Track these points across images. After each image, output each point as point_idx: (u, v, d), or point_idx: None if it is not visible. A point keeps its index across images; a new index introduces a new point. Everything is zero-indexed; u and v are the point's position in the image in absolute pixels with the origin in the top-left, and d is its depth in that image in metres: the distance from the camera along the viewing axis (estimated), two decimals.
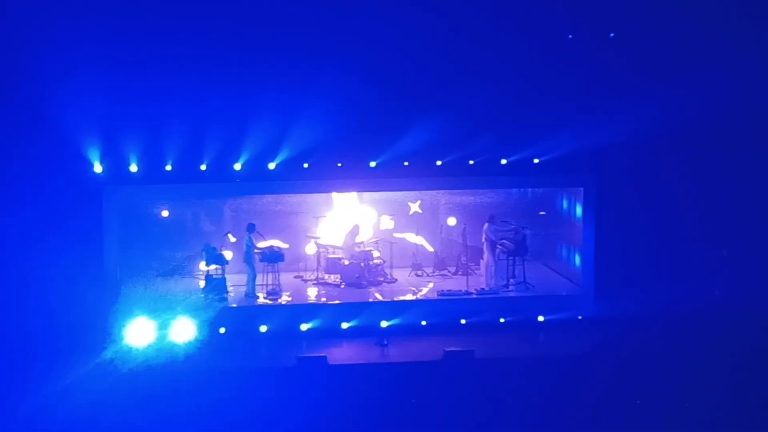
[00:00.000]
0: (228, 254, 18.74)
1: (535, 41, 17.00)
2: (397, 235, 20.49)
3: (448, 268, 20.26)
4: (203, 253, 18.49)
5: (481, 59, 16.75)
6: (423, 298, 18.29)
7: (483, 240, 18.86)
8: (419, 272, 20.19)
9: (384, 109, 16.75)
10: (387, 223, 20.64)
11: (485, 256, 18.86)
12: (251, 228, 18.21)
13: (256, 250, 18.34)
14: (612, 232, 17.78)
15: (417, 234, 20.55)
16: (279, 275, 18.64)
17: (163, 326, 15.97)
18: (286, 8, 16.31)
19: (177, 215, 20.04)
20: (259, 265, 18.40)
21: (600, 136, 17.17)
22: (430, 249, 20.56)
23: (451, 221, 20.79)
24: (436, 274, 20.17)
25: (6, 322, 15.57)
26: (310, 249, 20.07)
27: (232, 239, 19.16)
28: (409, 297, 18.37)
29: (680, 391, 13.88)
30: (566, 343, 16.33)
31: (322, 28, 16.51)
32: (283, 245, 19.43)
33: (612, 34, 17.35)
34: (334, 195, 20.14)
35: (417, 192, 20.25)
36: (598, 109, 17.07)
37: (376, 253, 19.65)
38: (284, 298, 18.18)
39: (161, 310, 16.42)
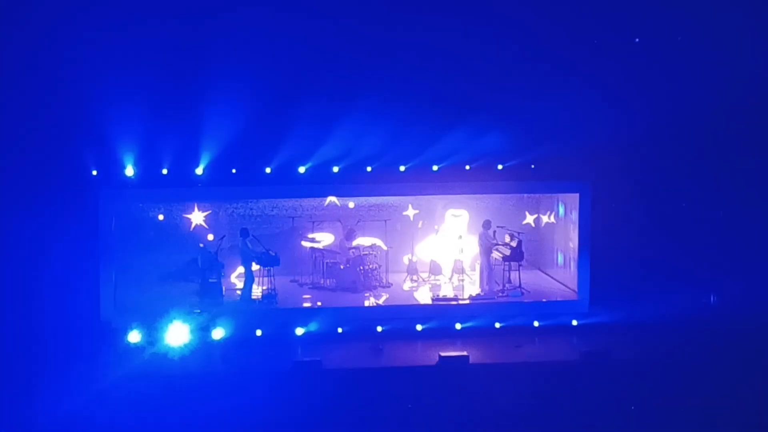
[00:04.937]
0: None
1: (531, 47, 17.03)
2: None
3: (443, 273, 20.27)
4: (199, 258, 18.47)
5: (477, 64, 16.78)
6: (418, 303, 18.32)
7: (478, 245, 18.89)
8: (414, 277, 20.19)
9: (381, 114, 16.80)
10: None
11: (480, 261, 18.88)
12: (245, 233, 18.18)
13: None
14: (607, 237, 17.82)
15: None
16: (274, 279, 18.60)
17: (158, 330, 15.96)
18: (282, 13, 16.33)
19: (173, 219, 20.00)
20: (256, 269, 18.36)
21: (595, 141, 17.21)
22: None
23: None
24: (431, 279, 20.19)
25: (0, 325, 15.53)
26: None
27: None
28: (404, 302, 18.42)
29: (675, 397, 13.89)
30: (561, 348, 16.35)
31: (323, 34, 16.55)
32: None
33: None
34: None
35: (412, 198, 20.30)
36: (593, 115, 17.10)
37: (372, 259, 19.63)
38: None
39: (156, 314, 16.40)
